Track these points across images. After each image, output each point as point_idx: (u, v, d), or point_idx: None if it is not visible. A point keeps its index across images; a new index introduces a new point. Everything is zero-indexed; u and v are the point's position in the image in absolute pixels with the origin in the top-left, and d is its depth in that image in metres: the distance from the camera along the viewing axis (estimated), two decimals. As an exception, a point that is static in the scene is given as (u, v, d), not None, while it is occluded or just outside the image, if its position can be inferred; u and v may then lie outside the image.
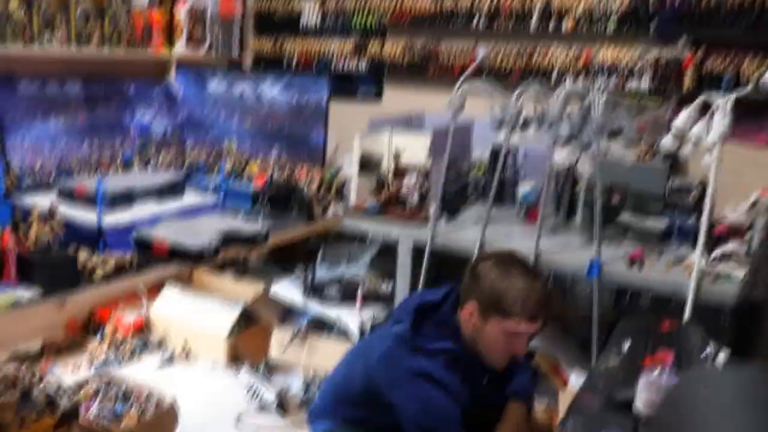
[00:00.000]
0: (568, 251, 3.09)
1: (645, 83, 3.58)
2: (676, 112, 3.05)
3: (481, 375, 1.87)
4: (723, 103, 2.45)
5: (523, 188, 3.57)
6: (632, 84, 3.60)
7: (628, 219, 3.24)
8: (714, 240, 2.88)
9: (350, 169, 3.30)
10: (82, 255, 2.22)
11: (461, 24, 3.94)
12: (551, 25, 3.74)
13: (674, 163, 3.47)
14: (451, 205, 3.28)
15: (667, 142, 2.66)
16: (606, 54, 3.65)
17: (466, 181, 3.66)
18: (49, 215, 2.28)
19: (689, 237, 3.04)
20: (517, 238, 3.23)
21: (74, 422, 2.23)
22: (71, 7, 3.35)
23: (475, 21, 3.91)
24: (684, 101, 3.10)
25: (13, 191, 2.75)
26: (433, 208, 3.01)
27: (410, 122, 3.89)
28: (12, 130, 3.23)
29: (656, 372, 1.41)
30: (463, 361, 1.81)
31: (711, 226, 2.75)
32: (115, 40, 3.56)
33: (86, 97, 3.54)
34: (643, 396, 1.41)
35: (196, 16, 3.96)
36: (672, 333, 1.86)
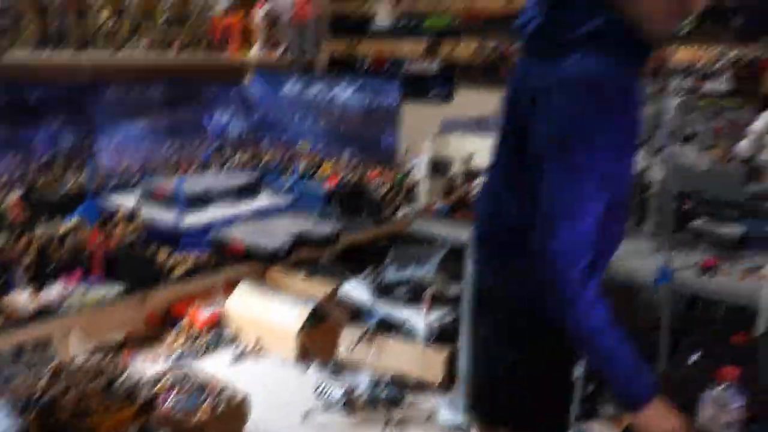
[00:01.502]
0: (638, 257, 3.03)
1: (723, 84, 3.47)
2: (755, 114, 2.96)
3: None
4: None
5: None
6: (710, 85, 3.50)
7: (701, 225, 3.16)
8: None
9: (420, 171, 3.33)
10: (162, 254, 2.33)
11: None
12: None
13: (752, 168, 3.35)
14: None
15: (743, 146, 2.59)
16: (682, 54, 3.56)
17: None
18: (133, 216, 2.41)
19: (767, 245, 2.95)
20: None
21: (152, 413, 2.35)
22: (156, 15, 3.50)
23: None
24: (766, 104, 3.01)
25: (100, 191, 2.89)
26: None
27: (482, 124, 3.88)
28: (100, 132, 3.40)
29: (722, 387, 1.39)
30: None
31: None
32: (195, 44, 3.69)
33: (168, 100, 3.69)
34: (708, 412, 1.40)
35: (272, 21, 4.06)
36: (743, 347, 1.83)
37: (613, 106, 1.35)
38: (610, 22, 1.39)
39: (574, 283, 1.34)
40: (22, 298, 1.96)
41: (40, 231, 2.27)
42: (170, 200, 2.57)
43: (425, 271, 3.51)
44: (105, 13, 3.28)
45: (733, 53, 3.43)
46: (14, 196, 2.78)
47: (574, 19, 1.41)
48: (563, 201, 1.37)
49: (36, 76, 3.22)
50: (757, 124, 2.52)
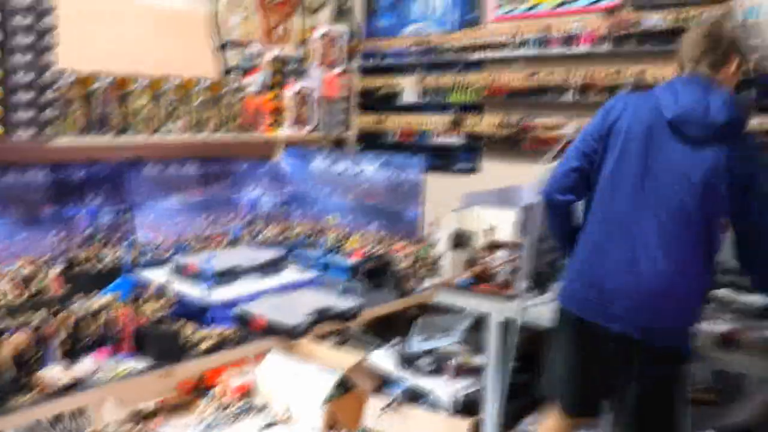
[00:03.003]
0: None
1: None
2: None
3: None
4: None
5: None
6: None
7: (724, 295, 3.18)
8: None
9: (444, 243, 3.41)
10: (189, 329, 2.44)
11: (554, 98, 4.03)
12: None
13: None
14: (542, 279, 3.32)
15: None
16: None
17: (560, 254, 3.69)
18: (162, 291, 2.53)
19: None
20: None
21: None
22: (191, 99, 3.72)
23: (567, 95, 3.98)
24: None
25: (135, 266, 3.04)
26: (521, 283, 3.07)
27: (505, 196, 3.97)
28: (137, 209, 3.58)
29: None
30: None
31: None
32: (228, 124, 3.90)
33: (201, 177, 3.87)
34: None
35: (302, 99, 4.25)
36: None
37: None
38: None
39: None
40: (55, 372, 2.08)
41: (77, 306, 2.40)
42: (199, 276, 2.69)
43: (449, 342, 3.56)
44: (143, 99, 3.51)
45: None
46: (55, 271, 2.96)
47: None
48: None
49: (80, 157, 3.44)
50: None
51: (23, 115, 3.00)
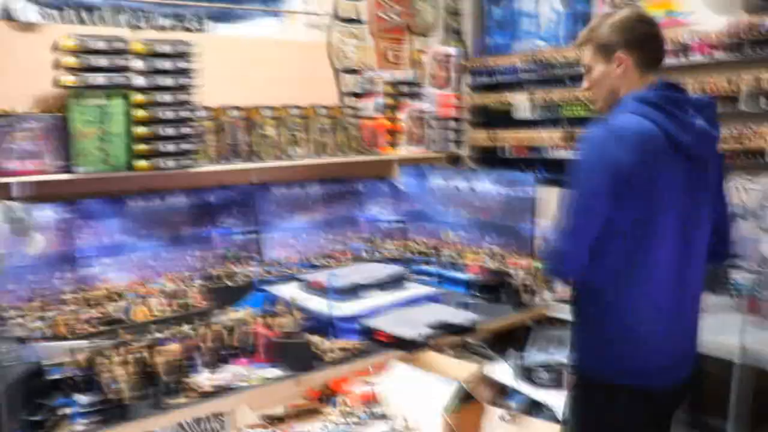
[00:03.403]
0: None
1: None
2: None
3: None
4: None
5: (738, 275, 3.48)
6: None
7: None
8: None
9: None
10: (317, 340, 2.63)
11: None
12: (762, 102, 3.65)
13: None
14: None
15: None
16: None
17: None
18: (291, 306, 2.75)
19: None
20: (730, 326, 3.17)
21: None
22: (312, 126, 3.98)
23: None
24: None
25: (265, 282, 3.29)
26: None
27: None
28: (266, 228, 3.86)
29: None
30: None
31: None
32: (347, 146, 4.13)
33: (324, 197, 4.12)
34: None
35: (417, 119, 4.43)
36: None
37: None
38: None
39: None
40: (203, 378, 2.32)
41: (217, 319, 2.65)
42: (324, 291, 2.88)
43: (566, 354, 3.59)
44: (269, 128, 3.79)
45: None
46: (195, 287, 3.25)
47: None
48: None
49: (214, 183, 3.75)
50: None
51: (167, 147, 3.34)
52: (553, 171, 4.65)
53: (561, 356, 3.58)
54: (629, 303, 2.11)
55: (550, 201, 4.23)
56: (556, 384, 3.45)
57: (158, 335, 2.39)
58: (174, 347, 2.31)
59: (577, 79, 4.52)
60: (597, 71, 2.20)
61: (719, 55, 3.77)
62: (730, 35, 3.70)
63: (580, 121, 4.50)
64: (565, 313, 3.36)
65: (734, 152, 3.66)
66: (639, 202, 2.02)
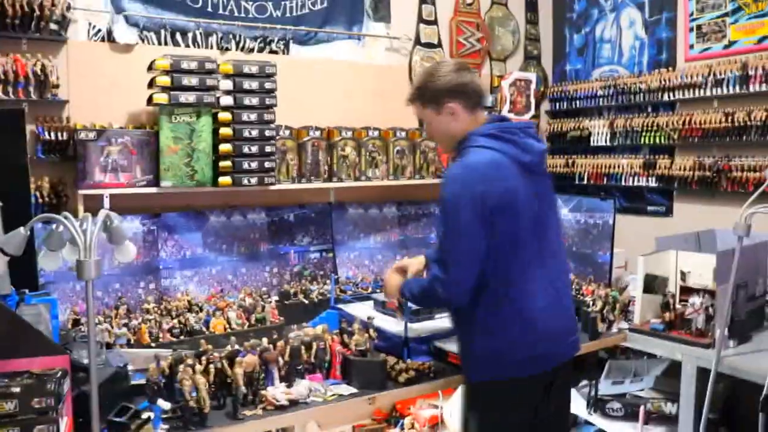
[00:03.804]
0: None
1: None
2: None
3: None
4: None
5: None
6: None
7: None
8: None
9: (636, 287, 3.39)
10: (390, 360, 2.65)
11: (756, 137, 3.87)
12: None
13: None
14: (742, 328, 3.19)
15: None
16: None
17: (763, 302, 3.51)
18: (366, 325, 2.78)
19: None
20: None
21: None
22: (390, 148, 4.04)
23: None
24: None
25: (340, 300, 3.34)
26: (718, 331, 2.98)
27: (699, 240, 3.85)
28: (341, 247, 3.92)
29: None
30: None
31: None
32: (424, 169, 4.17)
33: (399, 218, 4.16)
34: None
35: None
36: None
37: None
38: None
39: None
40: (278, 392, 2.37)
41: (293, 335, 2.70)
42: (398, 311, 2.91)
43: (641, 387, 3.50)
44: (348, 149, 3.86)
45: None
46: (271, 303, 3.32)
47: None
48: None
49: (293, 201, 3.84)
50: None
51: (249, 164, 3.44)
52: (630, 199, 4.58)
53: (635, 388, 3.49)
54: (513, 309, 2.30)
55: (627, 229, 4.17)
56: (630, 416, 3.36)
57: (237, 347, 2.45)
58: (252, 359, 2.37)
59: (657, 105, 4.46)
60: (432, 122, 2.47)
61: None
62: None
63: (661, 150, 4.42)
64: (641, 344, 3.30)
65: None
66: (505, 223, 2.24)
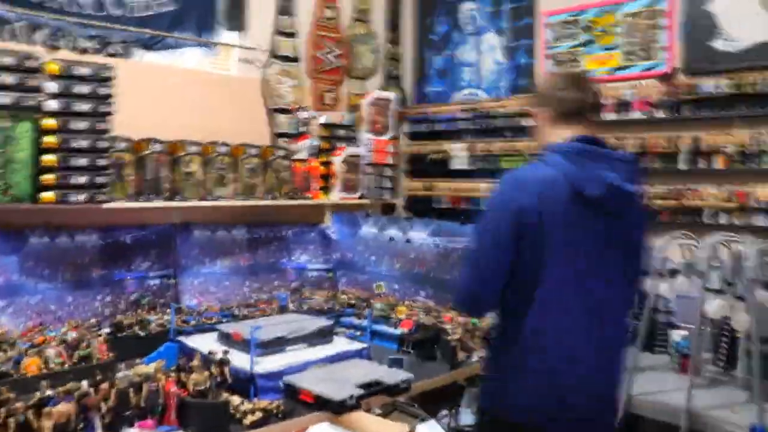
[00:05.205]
0: (727, 408, 2.88)
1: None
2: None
3: None
4: None
5: (678, 335, 3.42)
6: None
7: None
8: None
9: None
10: (235, 400, 2.36)
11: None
12: (701, 162, 3.69)
13: None
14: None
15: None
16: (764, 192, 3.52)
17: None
18: (208, 360, 2.47)
19: None
20: (671, 387, 3.09)
21: None
22: (240, 165, 3.74)
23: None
24: None
25: (180, 332, 2.99)
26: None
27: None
28: (184, 273, 3.56)
29: None
30: None
31: None
32: (276, 189, 3.90)
33: (249, 242, 3.86)
34: None
35: (351, 164, 4.25)
36: None
37: None
38: None
39: None
40: (97, 445, 2.01)
41: (121, 375, 2.34)
42: (245, 344, 2.63)
43: (501, 418, 3.41)
44: (194, 165, 3.53)
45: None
46: (101, 337, 2.92)
47: None
48: None
49: (130, 221, 3.45)
50: None
51: (78, 178, 3.03)
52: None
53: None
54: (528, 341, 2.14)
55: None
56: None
57: (49, 393, 2.06)
58: (66, 408, 2.00)
59: (516, 130, 4.47)
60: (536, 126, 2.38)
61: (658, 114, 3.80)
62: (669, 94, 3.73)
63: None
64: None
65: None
66: (534, 245, 2.07)
